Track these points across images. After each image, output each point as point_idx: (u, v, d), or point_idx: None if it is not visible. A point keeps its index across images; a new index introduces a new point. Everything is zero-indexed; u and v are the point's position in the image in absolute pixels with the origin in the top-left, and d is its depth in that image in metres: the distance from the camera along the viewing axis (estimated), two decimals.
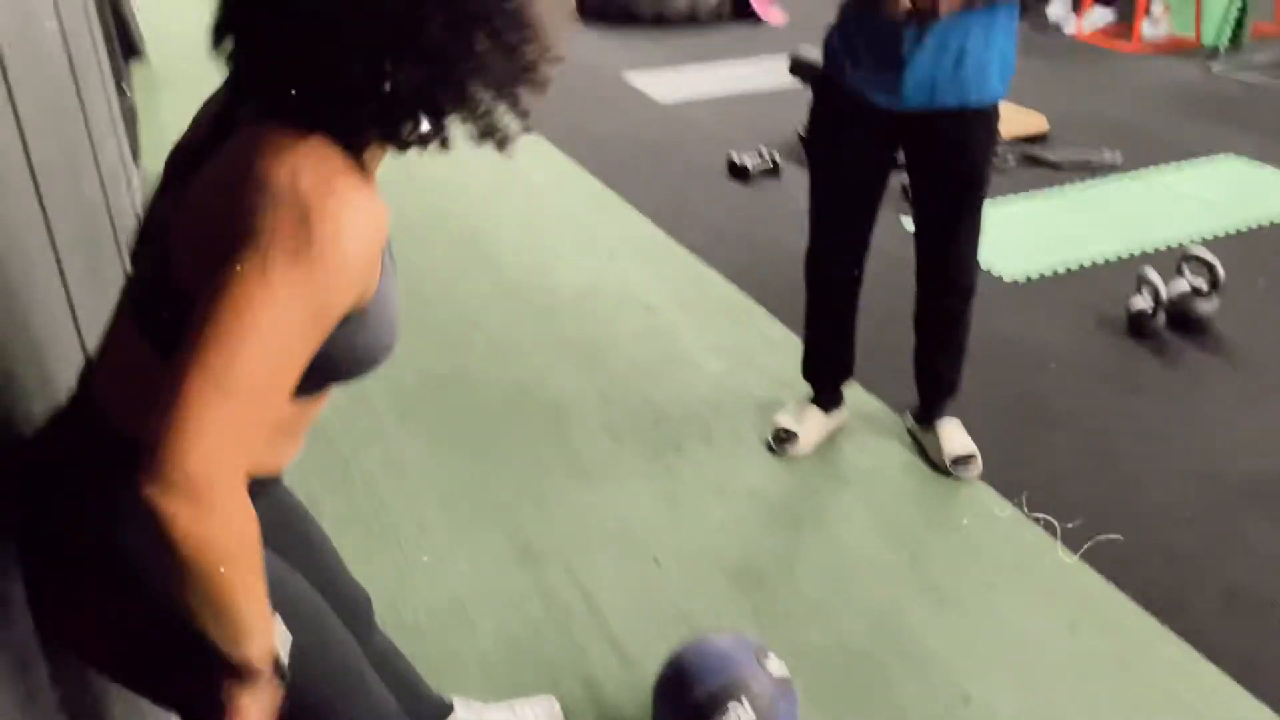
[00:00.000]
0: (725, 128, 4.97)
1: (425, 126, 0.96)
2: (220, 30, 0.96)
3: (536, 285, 3.46)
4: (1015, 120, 4.59)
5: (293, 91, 0.92)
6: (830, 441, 2.64)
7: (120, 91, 4.89)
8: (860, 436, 2.67)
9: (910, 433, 2.65)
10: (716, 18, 7.03)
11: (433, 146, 0.98)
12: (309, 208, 0.87)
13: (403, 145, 0.97)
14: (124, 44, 5.80)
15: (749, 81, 5.35)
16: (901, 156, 2.32)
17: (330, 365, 0.99)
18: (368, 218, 0.93)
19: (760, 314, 3.24)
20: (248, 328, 0.84)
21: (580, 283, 3.48)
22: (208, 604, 0.88)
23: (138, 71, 5.89)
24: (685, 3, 6.97)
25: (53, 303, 1.36)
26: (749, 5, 6.87)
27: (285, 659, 1.01)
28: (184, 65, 6.05)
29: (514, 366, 2.99)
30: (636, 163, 4.58)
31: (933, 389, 2.56)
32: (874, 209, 2.38)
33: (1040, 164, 4.40)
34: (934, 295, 2.43)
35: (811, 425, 2.62)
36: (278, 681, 1.00)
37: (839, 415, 2.68)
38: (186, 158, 1.03)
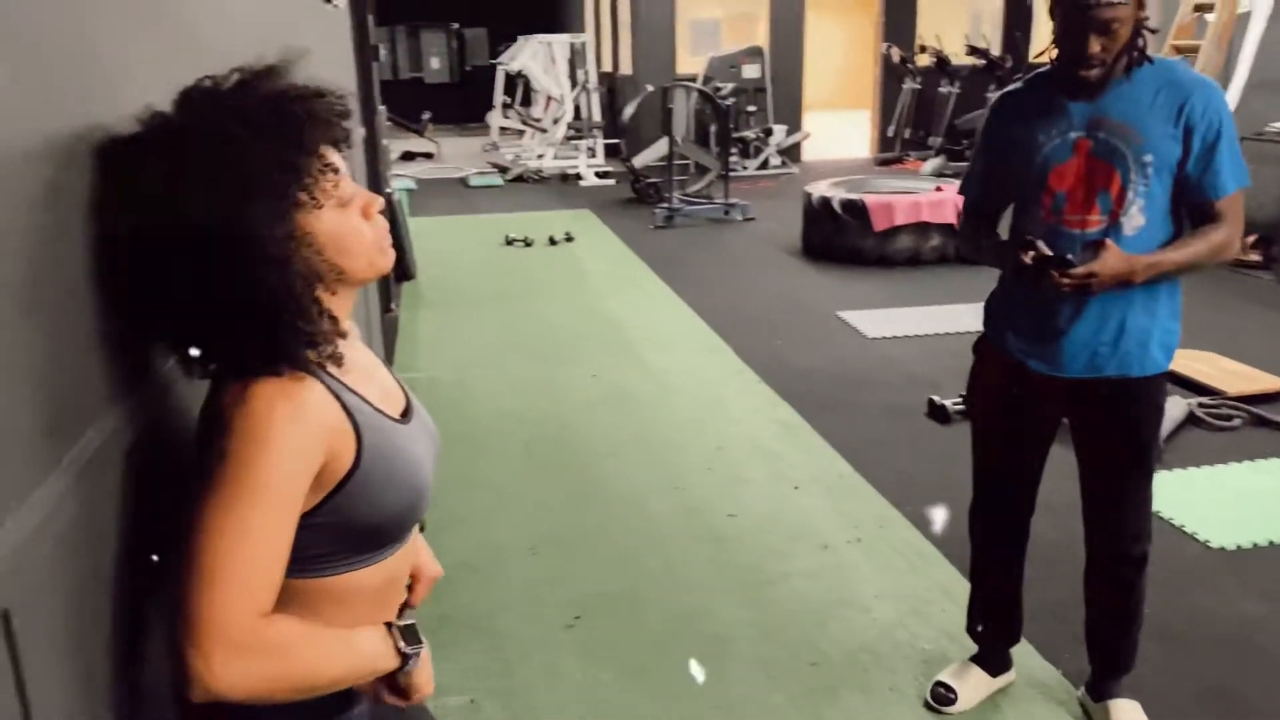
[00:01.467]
0: (930, 368, 5.01)
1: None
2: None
3: (718, 509, 3.58)
4: (1244, 378, 4.37)
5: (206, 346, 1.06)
6: (993, 704, 2.52)
7: (386, 308, 5.62)
8: (1027, 704, 2.53)
9: (1083, 707, 2.49)
10: (940, 260, 7.19)
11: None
12: (231, 436, 0.99)
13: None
14: (399, 268, 6.68)
15: (961, 322, 5.40)
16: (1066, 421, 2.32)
17: (342, 537, 1.10)
18: (294, 414, 1.02)
19: (941, 564, 3.18)
20: (215, 533, 0.97)
21: (761, 511, 3.57)
22: (328, 687, 1.05)
23: (407, 290, 6.74)
24: (908, 245, 7.20)
25: None
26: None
27: (401, 636, 1.11)
28: (444, 288, 6.91)
29: (683, 591, 3.08)
30: (836, 396, 4.69)
31: (1104, 663, 2.42)
32: (1035, 471, 2.37)
33: (1270, 425, 4.13)
34: (1103, 564, 2.34)
35: (974, 686, 2.52)
36: (411, 650, 1.11)
37: (1005, 678, 2.56)
38: None
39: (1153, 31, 2.05)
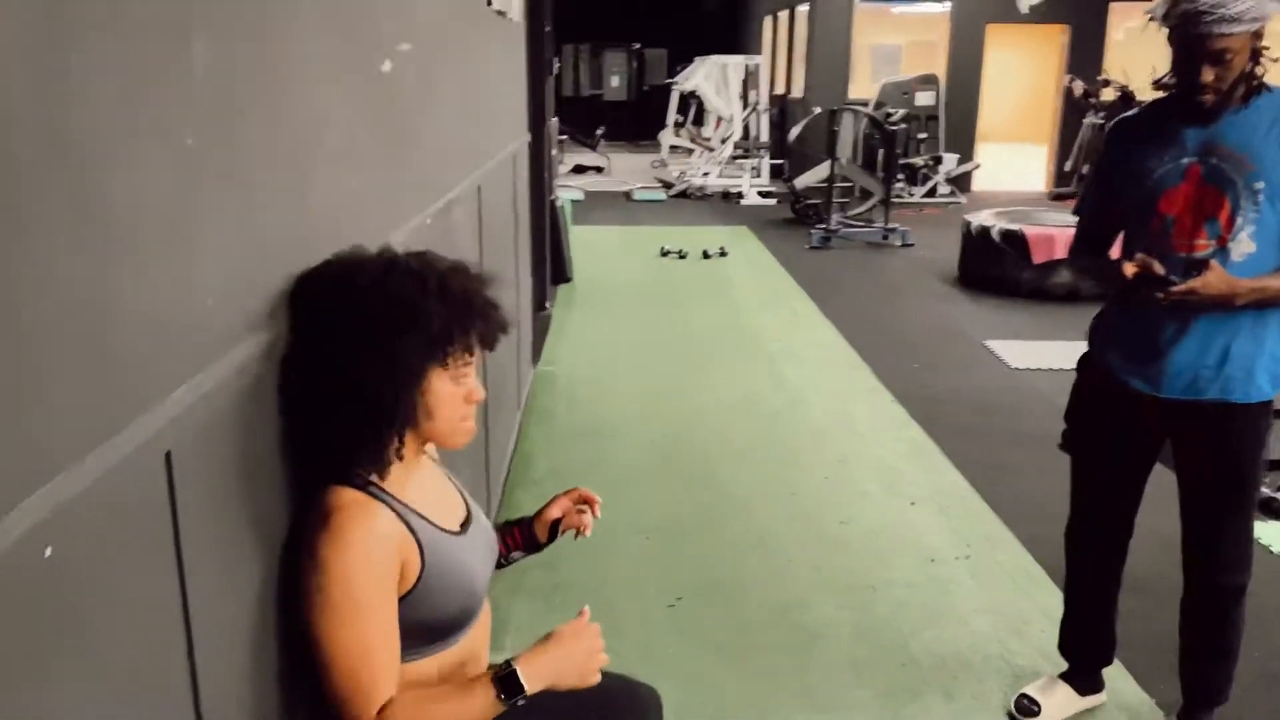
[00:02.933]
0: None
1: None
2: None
3: (831, 516, 3.66)
4: None
5: (318, 450, 1.32)
6: None
7: (540, 307, 5.94)
8: None
9: None
10: (1098, 297, 6.95)
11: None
12: (319, 552, 1.26)
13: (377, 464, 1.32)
14: (557, 270, 7.02)
15: None
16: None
17: (409, 634, 1.35)
18: (367, 538, 1.28)
19: (1049, 588, 3.17)
20: (333, 648, 1.26)
21: (873, 522, 3.63)
22: None
23: (562, 291, 7.07)
24: (1067, 280, 7.01)
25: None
26: None
27: (499, 688, 1.32)
28: (596, 292, 7.21)
29: (782, 587, 3.19)
30: (969, 421, 4.67)
31: (1195, 692, 2.39)
32: (1134, 491, 2.37)
33: None
34: (1199, 591, 2.32)
35: (1059, 702, 2.53)
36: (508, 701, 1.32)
37: (1094, 699, 2.56)
38: None
39: (1274, 60, 2.06)
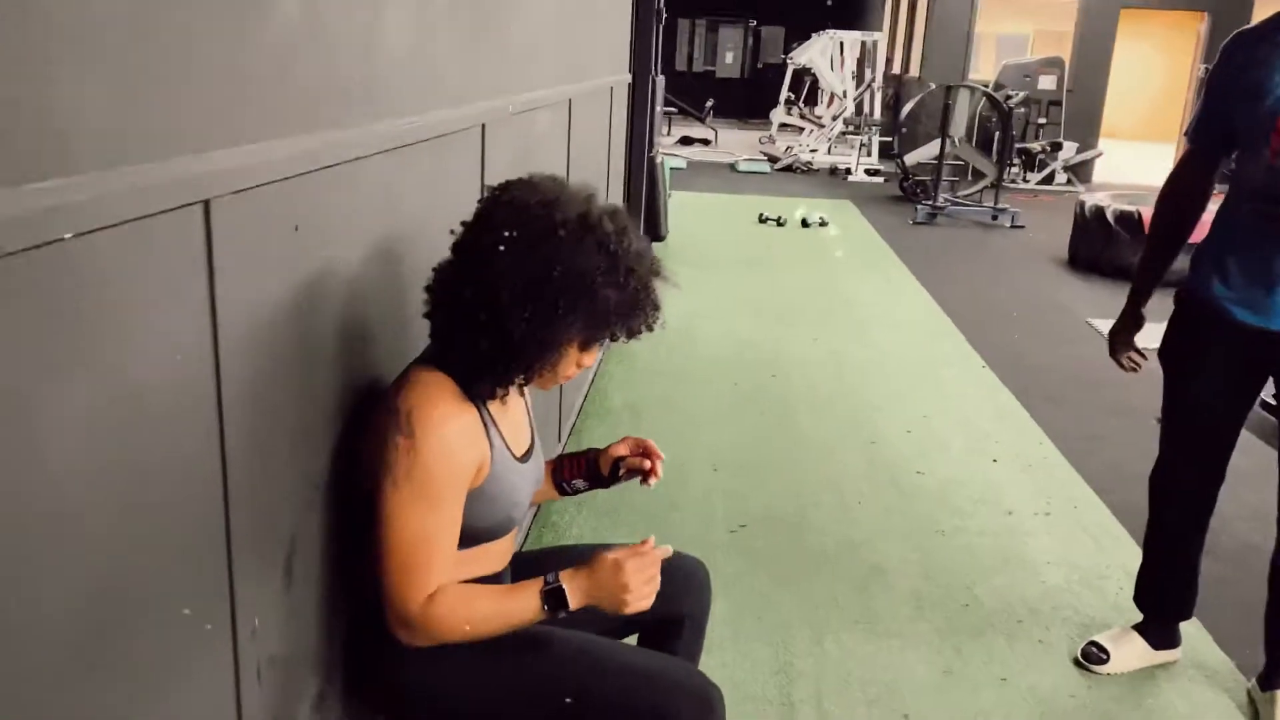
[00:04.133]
0: None
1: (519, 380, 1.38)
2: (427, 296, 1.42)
3: (908, 468, 3.58)
4: None
5: (443, 347, 1.37)
6: (1149, 675, 2.41)
7: None
8: (1188, 683, 2.40)
9: (1250, 696, 2.33)
10: None
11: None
12: (414, 434, 1.29)
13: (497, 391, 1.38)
14: (651, 226, 7.02)
15: None
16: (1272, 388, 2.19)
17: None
18: (457, 437, 1.32)
19: (1130, 547, 3.04)
20: (400, 529, 1.30)
21: (952, 475, 3.53)
22: (494, 634, 1.36)
23: (656, 249, 7.05)
24: (1181, 265, 6.68)
25: None
26: None
27: (545, 600, 1.35)
28: (691, 251, 7.17)
29: (851, 525, 3.13)
30: (1064, 392, 4.51)
31: (1278, 652, 2.26)
32: (1230, 433, 2.25)
33: None
34: None
35: (1130, 652, 2.42)
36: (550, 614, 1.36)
37: (1169, 654, 2.45)
38: None
39: None
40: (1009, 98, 10.39)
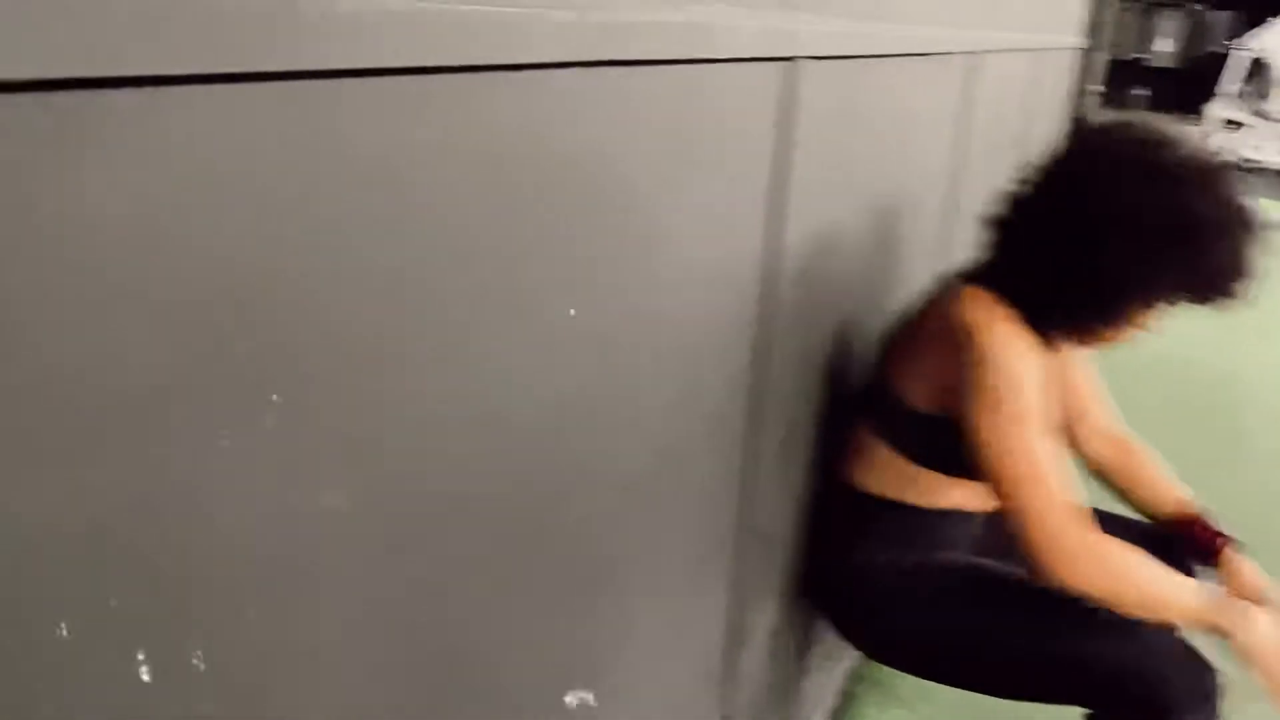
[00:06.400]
0: None
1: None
2: (996, 222, 1.33)
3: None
4: None
5: (1007, 273, 1.28)
6: None
7: None
8: None
9: None
10: None
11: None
12: (986, 356, 1.21)
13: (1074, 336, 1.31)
14: None
15: None
16: None
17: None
18: (1024, 360, 1.23)
19: None
20: (1005, 451, 1.20)
21: None
22: (1134, 609, 1.21)
23: None
24: None
25: None
26: None
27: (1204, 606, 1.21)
28: None
29: None
30: None
31: None
32: None
33: None
34: None
35: None
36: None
37: None
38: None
39: None
40: None
